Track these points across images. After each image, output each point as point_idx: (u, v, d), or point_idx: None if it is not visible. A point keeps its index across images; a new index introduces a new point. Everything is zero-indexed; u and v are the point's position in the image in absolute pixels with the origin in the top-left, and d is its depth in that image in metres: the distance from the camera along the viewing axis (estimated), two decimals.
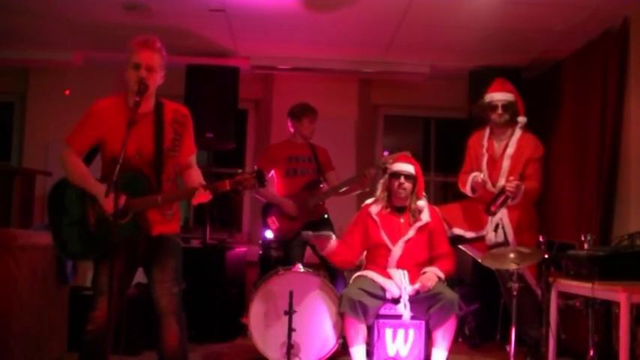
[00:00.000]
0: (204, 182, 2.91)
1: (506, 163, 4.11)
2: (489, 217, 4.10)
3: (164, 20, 4.68)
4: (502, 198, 3.93)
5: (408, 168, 3.95)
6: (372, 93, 6.36)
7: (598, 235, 4.17)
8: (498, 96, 4.18)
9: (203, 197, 2.80)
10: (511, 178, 3.96)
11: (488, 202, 4.00)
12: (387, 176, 4.02)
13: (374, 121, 6.47)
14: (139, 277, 3.11)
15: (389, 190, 3.97)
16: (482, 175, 4.14)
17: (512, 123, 4.19)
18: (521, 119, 4.18)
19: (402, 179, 3.90)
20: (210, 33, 5.04)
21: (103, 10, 4.59)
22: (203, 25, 4.87)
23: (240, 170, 2.81)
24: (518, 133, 4.15)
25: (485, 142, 4.26)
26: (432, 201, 6.30)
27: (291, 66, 5.66)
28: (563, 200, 4.87)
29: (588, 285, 3.28)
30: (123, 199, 2.73)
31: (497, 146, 4.20)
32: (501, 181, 4.07)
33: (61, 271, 4.05)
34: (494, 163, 4.18)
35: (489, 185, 4.15)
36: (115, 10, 4.54)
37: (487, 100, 4.22)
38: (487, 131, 4.29)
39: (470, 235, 4.20)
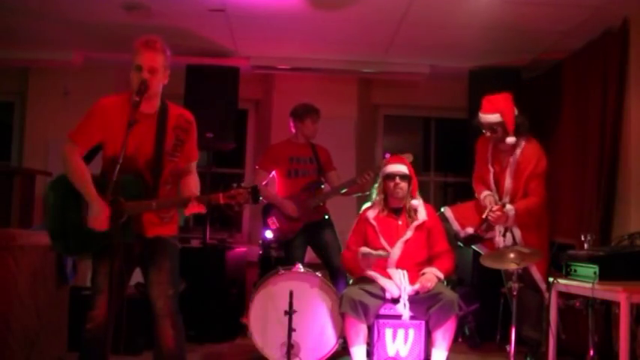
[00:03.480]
0: (198, 193, 2.91)
1: (508, 182, 4.06)
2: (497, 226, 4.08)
3: (164, 20, 4.68)
4: (486, 225, 4.00)
5: (402, 168, 3.94)
6: (372, 93, 6.36)
7: (598, 235, 4.17)
8: (484, 118, 4.06)
9: (196, 208, 2.80)
10: (494, 208, 3.94)
11: (476, 226, 4.05)
12: (381, 179, 4.01)
13: (374, 121, 6.47)
14: (140, 277, 3.11)
15: (385, 192, 3.97)
16: (491, 198, 4.09)
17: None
18: (510, 140, 3.99)
19: (397, 179, 3.90)
20: (210, 33, 5.04)
21: (103, 10, 4.59)
22: (203, 25, 4.87)
23: (235, 184, 2.79)
24: (517, 152, 4.04)
25: (489, 156, 4.19)
26: (432, 201, 6.35)
27: (291, 66, 5.66)
28: (564, 200, 4.87)
29: (588, 285, 3.28)
30: (107, 212, 2.72)
31: (502, 160, 4.14)
32: (506, 199, 4.05)
33: (61, 271, 4.05)
34: (498, 180, 4.14)
35: (497, 200, 4.12)
36: (115, 10, 4.54)
37: (479, 121, 4.11)
38: (492, 141, 4.18)
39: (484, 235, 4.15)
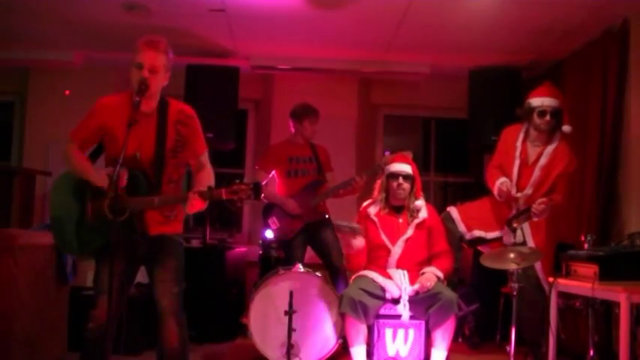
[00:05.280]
0: (212, 184, 2.89)
1: (537, 174, 3.98)
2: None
3: (164, 20, 4.69)
4: (525, 216, 3.85)
5: (406, 168, 3.94)
6: (372, 93, 6.36)
7: (598, 235, 4.16)
8: (549, 101, 3.98)
9: (198, 205, 2.77)
10: (540, 200, 3.81)
11: (511, 217, 3.91)
12: (384, 177, 4.01)
13: (374, 121, 6.47)
14: (140, 277, 3.11)
15: (387, 190, 3.97)
16: (509, 184, 4.00)
17: (551, 131, 4.02)
18: (566, 128, 3.97)
19: (401, 180, 3.90)
20: (210, 33, 5.05)
21: (103, 10, 4.60)
22: (203, 25, 4.88)
23: (237, 180, 2.78)
24: (555, 143, 3.99)
25: (519, 144, 4.08)
26: (432, 201, 6.34)
27: (291, 66, 5.66)
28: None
29: (588, 285, 3.28)
30: (124, 174, 2.72)
31: (532, 152, 4.05)
32: (528, 191, 3.98)
33: (61, 271, 4.05)
34: (525, 169, 4.05)
35: (514, 191, 4.03)
36: (115, 10, 4.54)
37: (536, 105, 4.00)
38: (522, 132, 4.10)
39: (491, 235, 4.11)
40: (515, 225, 3.85)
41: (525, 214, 3.85)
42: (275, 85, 6.14)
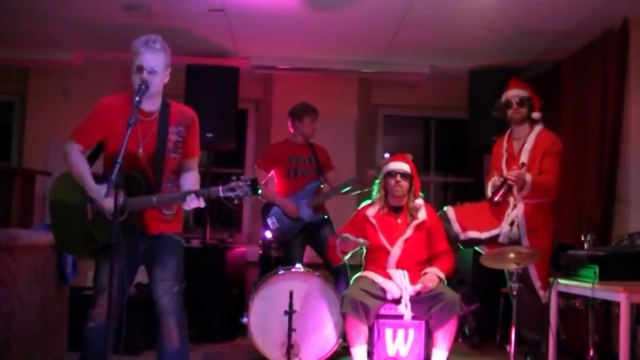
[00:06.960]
0: (197, 187, 2.90)
1: (524, 157, 4.07)
2: (505, 215, 4.05)
3: (164, 20, 4.68)
4: (505, 188, 3.95)
5: (403, 166, 3.95)
6: (372, 93, 6.36)
7: (598, 235, 4.16)
8: (512, 93, 4.22)
9: (195, 203, 2.78)
10: (514, 167, 3.97)
11: (492, 191, 4.01)
12: (382, 176, 4.01)
13: (374, 121, 6.47)
14: (140, 277, 3.11)
15: (386, 190, 3.97)
16: (496, 181, 4.08)
17: (530, 121, 4.19)
18: (536, 115, 4.18)
19: (398, 177, 3.91)
20: (210, 33, 5.05)
21: (103, 10, 4.60)
22: (203, 25, 4.88)
23: (234, 177, 2.79)
24: (536, 130, 4.15)
25: (505, 144, 4.25)
26: (432, 201, 6.35)
27: (291, 66, 5.66)
28: (563, 200, 4.86)
29: (588, 285, 3.28)
30: (122, 199, 2.73)
31: (517, 144, 4.19)
32: None
33: (61, 271, 4.05)
34: (513, 160, 4.13)
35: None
36: (115, 10, 4.54)
37: (503, 100, 4.25)
38: (507, 133, 4.29)
39: (485, 235, 4.11)
40: (495, 199, 4.00)
41: (503, 185, 3.97)
42: (275, 85, 6.14)
